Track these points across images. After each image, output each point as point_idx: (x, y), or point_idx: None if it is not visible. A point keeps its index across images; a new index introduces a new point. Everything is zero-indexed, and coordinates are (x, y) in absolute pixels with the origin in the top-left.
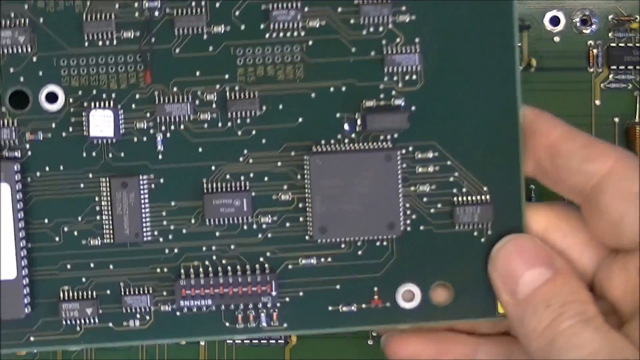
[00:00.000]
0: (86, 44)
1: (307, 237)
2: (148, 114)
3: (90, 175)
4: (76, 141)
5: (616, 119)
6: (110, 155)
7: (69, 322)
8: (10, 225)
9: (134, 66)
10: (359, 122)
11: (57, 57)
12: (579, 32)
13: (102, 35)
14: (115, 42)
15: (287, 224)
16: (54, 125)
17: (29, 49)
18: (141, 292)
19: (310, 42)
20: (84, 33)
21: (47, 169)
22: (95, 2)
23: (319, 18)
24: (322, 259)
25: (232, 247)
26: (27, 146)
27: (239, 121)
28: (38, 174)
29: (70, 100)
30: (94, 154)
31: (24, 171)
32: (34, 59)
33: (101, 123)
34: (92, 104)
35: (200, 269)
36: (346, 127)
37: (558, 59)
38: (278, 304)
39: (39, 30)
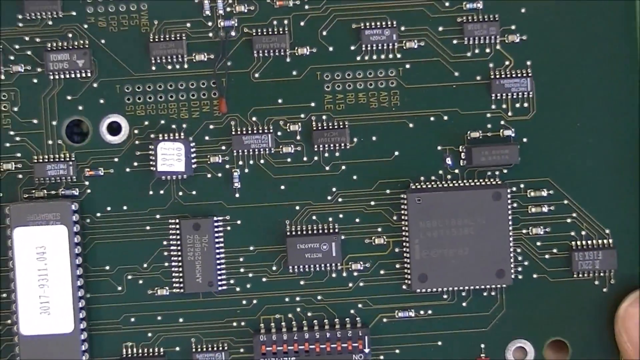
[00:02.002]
0: (153, 68)
1: (404, 287)
2: (223, 147)
3: (158, 216)
4: (142, 177)
5: None
6: (181, 193)
7: None
8: (67, 272)
9: (207, 93)
10: (463, 155)
11: (120, 83)
12: None
13: (171, 58)
14: (186, 65)
15: (382, 272)
16: (116, 159)
17: (89, 74)
18: (215, 348)
19: (408, 66)
20: (151, 56)
21: (108, 208)
22: (163, 22)
23: (417, 38)
24: (422, 311)
25: (319, 297)
26: (87, 183)
27: (326, 155)
28: (98, 214)
29: (135, 131)
30: (161, 191)
31: (83, 211)
32: (95, 85)
33: (170, 157)
34: (160, 136)
35: (283, 323)
36: (448, 161)
37: None
38: None
39: (100, 53)
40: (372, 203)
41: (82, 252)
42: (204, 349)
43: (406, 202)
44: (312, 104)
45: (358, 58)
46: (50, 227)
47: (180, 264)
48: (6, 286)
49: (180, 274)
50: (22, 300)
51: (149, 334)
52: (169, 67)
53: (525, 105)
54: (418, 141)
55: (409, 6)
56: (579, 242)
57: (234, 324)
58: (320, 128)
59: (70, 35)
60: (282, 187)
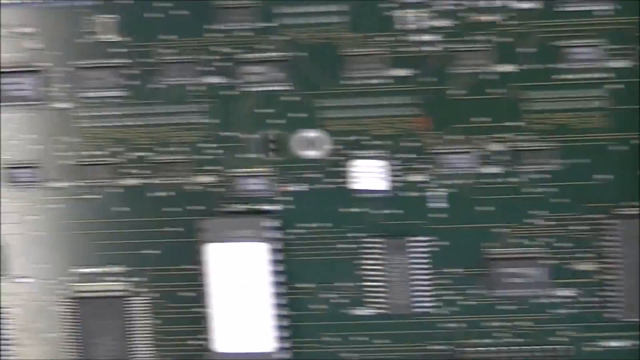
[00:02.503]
0: (354, 83)
1: (611, 315)
2: (424, 165)
3: (357, 233)
4: (341, 194)
5: None
6: (380, 211)
7: None
8: (267, 291)
9: (407, 109)
10: None
11: (320, 97)
12: None
13: (372, 73)
14: (387, 81)
15: (587, 299)
16: (316, 175)
17: (288, 88)
18: None
19: (617, 85)
20: (351, 70)
21: (307, 225)
22: (363, 35)
23: (630, 56)
24: (631, 342)
25: (521, 323)
26: (286, 198)
27: (532, 176)
28: (298, 231)
29: (336, 147)
30: (361, 209)
31: (283, 228)
32: (294, 98)
33: (370, 174)
34: (359, 153)
35: (484, 348)
36: None
37: None
38: None
39: (299, 67)
40: (580, 227)
41: (281, 269)
42: None
43: (618, 226)
44: (518, 123)
45: (566, 76)
46: (249, 244)
47: (379, 283)
48: (202, 301)
49: (380, 294)
50: (218, 317)
51: (347, 354)
52: (370, 82)
53: None
54: (630, 163)
55: (618, 23)
56: None
57: (434, 347)
58: (525, 149)
59: (266, 48)
60: (486, 208)
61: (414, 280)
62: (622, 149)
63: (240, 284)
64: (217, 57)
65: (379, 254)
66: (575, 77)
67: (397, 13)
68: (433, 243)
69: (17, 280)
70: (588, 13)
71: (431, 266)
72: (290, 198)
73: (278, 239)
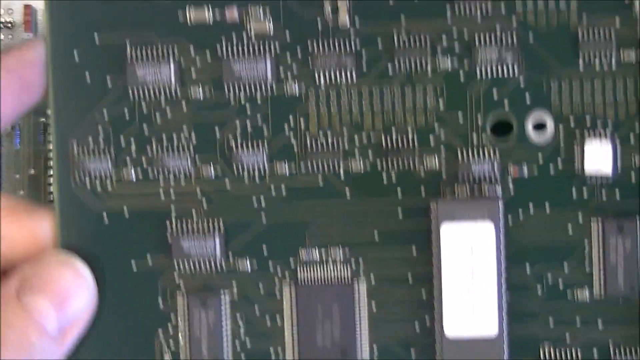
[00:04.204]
0: (581, 65)
1: None
2: None
3: (580, 215)
4: (566, 177)
5: None
6: (604, 195)
7: None
8: (493, 273)
9: (635, 93)
10: None
11: (547, 79)
12: None
13: (599, 55)
14: (614, 64)
15: None
16: (541, 158)
17: (516, 70)
18: (635, 353)
19: None
20: (579, 53)
21: (531, 208)
22: (592, 18)
23: None
24: None
25: None
26: (510, 181)
27: None
28: (521, 214)
29: (561, 129)
30: (585, 193)
31: (506, 210)
32: (521, 81)
33: (597, 158)
34: (587, 135)
35: None
36: None
37: None
38: None
39: (528, 49)
40: None
41: (506, 253)
42: (623, 354)
43: None
44: None
45: None
46: (479, 223)
47: (600, 266)
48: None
49: (600, 277)
50: (447, 301)
51: (567, 339)
52: (597, 64)
53: None
54: None
55: None
56: None
57: None
58: None
59: (498, 31)
60: None
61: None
62: None
63: (470, 266)
64: (449, 40)
65: (603, 236)
66: None
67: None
68: None
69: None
70: None
71: None
72: (517, 181)
73: (506, 221)
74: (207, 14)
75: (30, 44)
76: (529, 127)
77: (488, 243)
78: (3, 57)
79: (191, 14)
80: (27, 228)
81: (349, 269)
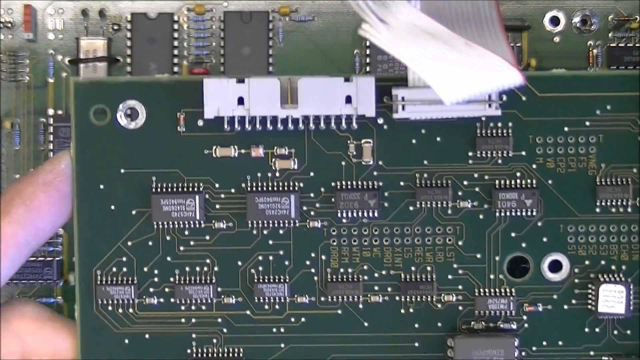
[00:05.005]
0: (597, 210)
1: None
2: None
3: (592, 353)
4: (579, 315)
5: None
6: (615, 332)
7: None
8: None
9: None
10: None
11: (564, 222)
12: (579, 32)
13: (616, 201)
14: (629, 209)
15: None
16: (555, 296)
17: (534, 213)
18: None
19: None
20: (597, 199)
21: (544, 343)
22: (610, 166)
23: None
24: None
25: None
26: (525, 317)
27: None
28: (534, 348)
29: (576, 270)
30: (597, 330)
31: (520, 345)
32: (539, 223)
33: (612, 299)
34: (600, 277)
35: None
36: None
37: (558, 60)
38: None
39: (547, 193)
40: None
41: None
42: None
43: None
44: None
45: None
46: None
47: None
48: None
49: None
50: None
51: None
52: (613, 209)
53: None
54: None
55: None
56: None
57: None
58: None
59: (518, 174)
60: None
61: None
62: None
63: None
64: (469, 182)
65: None
66: None
67: None
68: None
69: None
70: None
71: None
72: (531, 317)
73: (518, 356)
74: (233, 152)
75: (62, 156)
76: (545, 267)
77: None
78: (41, 172)
79: (217, 152)
80: (50, 343)
81: None
